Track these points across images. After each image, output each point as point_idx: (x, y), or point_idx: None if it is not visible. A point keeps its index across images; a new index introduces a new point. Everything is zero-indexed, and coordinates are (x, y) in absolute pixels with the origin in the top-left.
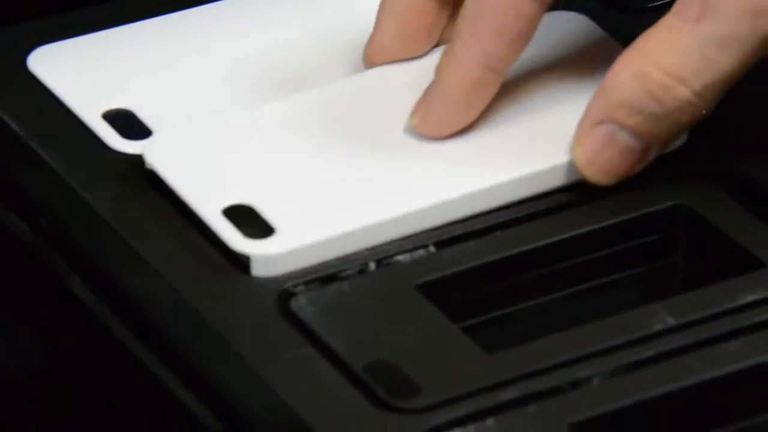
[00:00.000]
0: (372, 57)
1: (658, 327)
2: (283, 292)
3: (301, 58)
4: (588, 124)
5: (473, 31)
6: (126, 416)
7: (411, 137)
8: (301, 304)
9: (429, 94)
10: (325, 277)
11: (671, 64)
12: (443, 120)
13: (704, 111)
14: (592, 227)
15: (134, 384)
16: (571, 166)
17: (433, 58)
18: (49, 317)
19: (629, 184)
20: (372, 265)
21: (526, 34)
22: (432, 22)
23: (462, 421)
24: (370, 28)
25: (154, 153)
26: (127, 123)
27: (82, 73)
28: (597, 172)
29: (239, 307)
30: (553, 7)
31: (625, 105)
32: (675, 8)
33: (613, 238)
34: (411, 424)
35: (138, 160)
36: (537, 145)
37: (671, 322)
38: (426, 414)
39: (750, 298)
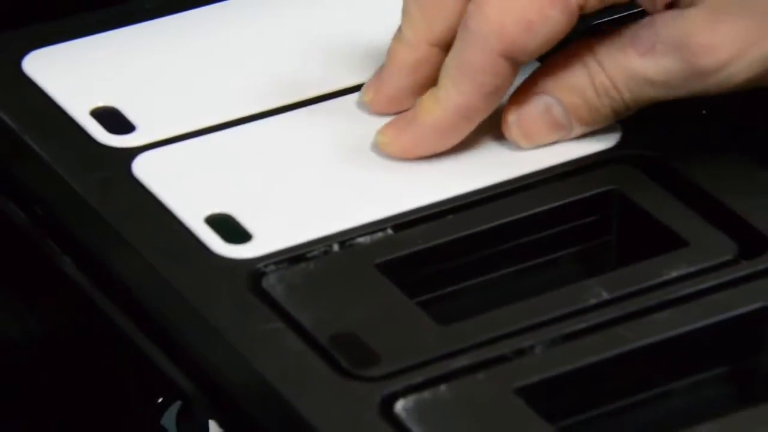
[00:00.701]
0: (380, 107)
1: (593, 300)
2: (255, 271)
3: (282, 61)
4: (531, 90)
5: (454, 82)
6: (113, 383)
7: (377, 152)
8: (271, 282)
9: (404, 120)
10: (293, 257)
11: (612, 73)
12: (411, 148)
13: (630, 113)
14: (534, 210)
15: (120, 354)
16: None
17: None
18: (44, 294)
19: (568, 172)
20: (335, 247)
21: (500, 90)
22: (438, 70)
23: (418, 388)
24: (355, 31)
25: (142, 170)
26: (113, 119)
27: (72, 74)
28: (522, 136)
29: (215, 285)
30: None
31: (570, 86)
32: (633, 29)
33: (553, 220)
34: (371, 391)
35: (123, 153)
36: (498, 161)
37: (605, 296)
38: (385, 381)
39: (675, 273)
